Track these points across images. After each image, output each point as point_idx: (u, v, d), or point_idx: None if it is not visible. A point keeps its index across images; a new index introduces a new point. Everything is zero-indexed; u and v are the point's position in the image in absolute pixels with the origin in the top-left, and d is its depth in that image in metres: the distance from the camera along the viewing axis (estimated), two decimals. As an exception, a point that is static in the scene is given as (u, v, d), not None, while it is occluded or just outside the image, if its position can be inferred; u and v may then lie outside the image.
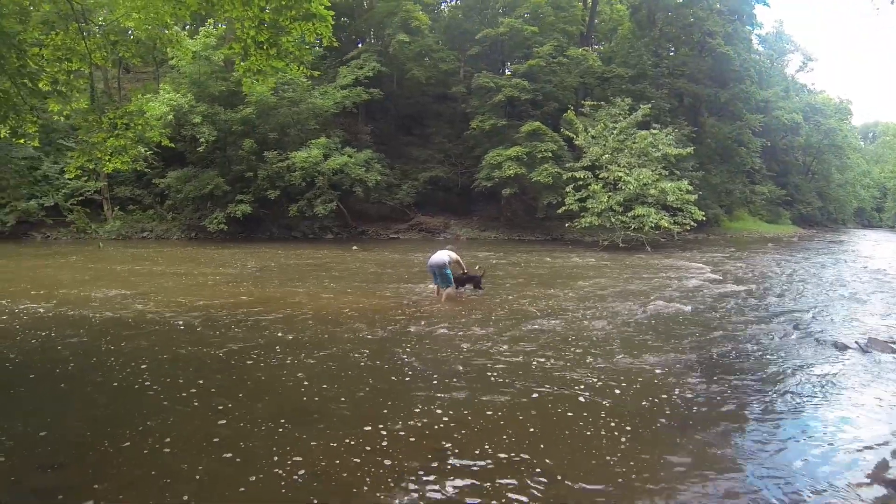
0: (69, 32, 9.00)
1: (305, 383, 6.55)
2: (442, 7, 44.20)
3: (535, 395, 6.28)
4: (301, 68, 9.32)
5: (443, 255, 12.12)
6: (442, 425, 5.36)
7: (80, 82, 10.04)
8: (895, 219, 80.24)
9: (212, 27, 29.64)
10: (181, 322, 9.60)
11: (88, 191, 27.69)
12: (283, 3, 7.93)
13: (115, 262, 18.25)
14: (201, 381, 6.58)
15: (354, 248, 25.19)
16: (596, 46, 43.02)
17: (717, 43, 41.30)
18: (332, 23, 8.47)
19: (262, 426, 5.25)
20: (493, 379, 6.85)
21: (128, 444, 4.82)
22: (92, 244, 24.92)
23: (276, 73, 9.44)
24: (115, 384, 6.42)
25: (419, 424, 5.37)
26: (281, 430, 5.17)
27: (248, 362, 7.35)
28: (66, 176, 14.58)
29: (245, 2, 7.81)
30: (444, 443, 4.98)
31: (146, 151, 18.63)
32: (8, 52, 7.57)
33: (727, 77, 43.26)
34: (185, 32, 27.25)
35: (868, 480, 4.64)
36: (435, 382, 6.67)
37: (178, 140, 26.44)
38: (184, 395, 6.13)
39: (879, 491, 4.47)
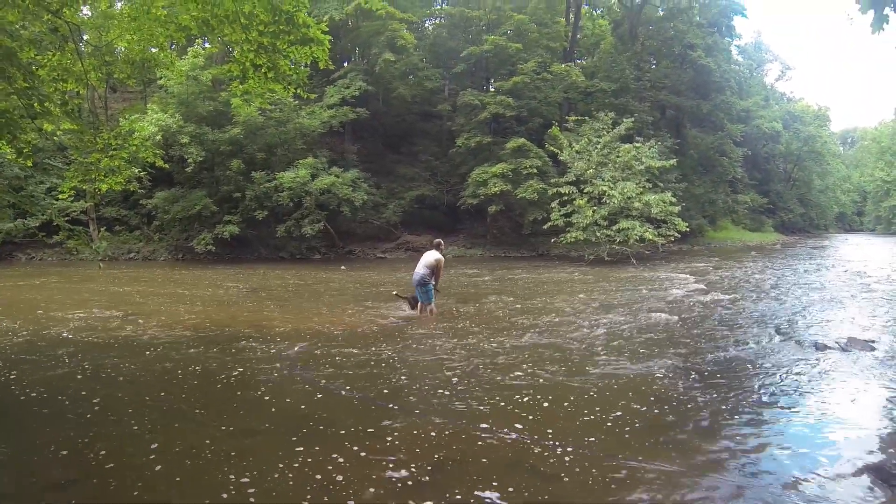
0: (65, 53, 9.18)
1: (299, 403, 6.67)
2: (426, 25, 44.61)
3: (527, 399, 6.45)
4: (298, 90, 9.49)
5: (422, 269, 11.93)
6: (405, 440, 5.44)
7: (75, 102, 10.17)
8: (875, 222, 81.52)
9: (200, 47, 29.80)
10: (169, 342, 9.68)
11: (75, 211, 27.57)
12: (282, 27, 8.11)
13: (104, 284, 18.25)
14: (197, 399, 6.73)
15: (343, 267, 25.25)
16: (579, 62, 43.49)
17: (698, 55, 42.16)
18: (329, 46, 8.67)
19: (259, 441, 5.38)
20: (485, 389, 6.97)
21: (135, 460, 4.91)
22: (79, 265, 24.89)
23: (272, 94, 9.61)
24: (113, 403, 6.50)
25: (414, 433, 5.52)
26: (287, 444, 5.28)
27: (237, 380, 7.45)
28: (60, 196, 14.61)
29: (244, 26, 7.98)
30: (404, 454, 5.08)
31: (139, 172, 18.67)
32: (14, 73, 7.70)
33: (708, 88, 44.06)
34: (173, 50, 27.40)
35: (852, 468, 4.85)
36: (423, 396, 6.82)
37: (166, 160, 26.44)
38: (180, 411, 6.27)
39: (863, 477, 4.68)
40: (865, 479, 4.66)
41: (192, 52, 28.98)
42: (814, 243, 49.12)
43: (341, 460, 4.87)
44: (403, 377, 7.62)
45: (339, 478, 4.56)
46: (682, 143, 41.07)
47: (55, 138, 16.73)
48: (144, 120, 26.72)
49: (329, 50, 8.92)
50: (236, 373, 7.73)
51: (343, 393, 6.93)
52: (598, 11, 48.37)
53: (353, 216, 30.80)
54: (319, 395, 6.83)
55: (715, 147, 45.04)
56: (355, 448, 5.13)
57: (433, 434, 5.50)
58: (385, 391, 6.96)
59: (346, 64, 37.74)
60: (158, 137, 26.51)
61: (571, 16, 41.00)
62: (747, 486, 4.59)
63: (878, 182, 75.68)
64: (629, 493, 4.41)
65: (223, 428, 5.67)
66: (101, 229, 29.44)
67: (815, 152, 66.59)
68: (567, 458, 4.97)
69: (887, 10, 10.16)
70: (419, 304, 12.27)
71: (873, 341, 9.51)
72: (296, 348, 9.23)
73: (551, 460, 4.95)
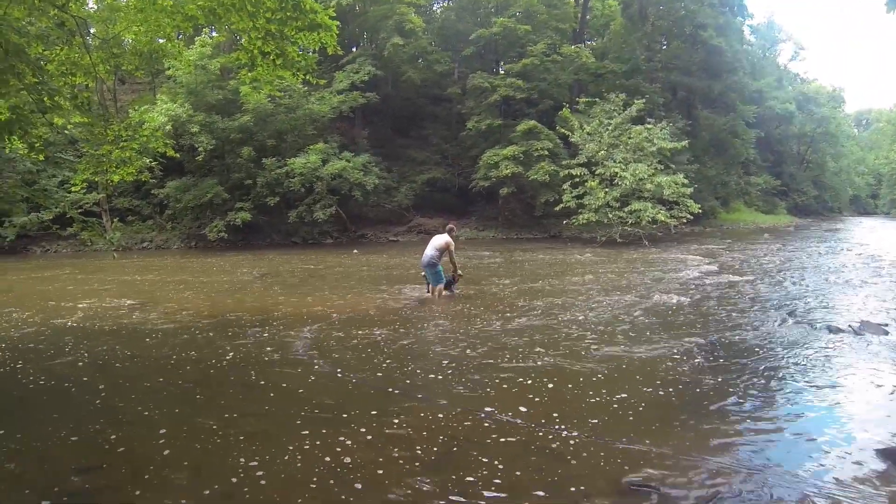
0: (73, 47, 9.21)
1: (307, 384, 6.71)
2: (434, 8, 44.37)
3: (531, 382, 6.45)
4: (307, 76, 9.47)
5: (430, 251, 12.13)
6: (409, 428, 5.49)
7: (85, 95, 10.21)
8: (891, 205, 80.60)
9: (207, 36, 29.81)
10: (174, 329, 9.70)
11: (87, 203, 27.64)
12: (289, 14, 8.11)
13: (117, 273, 18.36)
14: (199, 383, 6.78)
15: (355, 251, 25.28)
16: (589, 43, 43.19)
17: (709, 35, 41.67)
18: (337, 32, 8.68)
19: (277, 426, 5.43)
20: (489, 372, 6.96)
21: (145, 445, 4.95)
22: (93, 256, 25.04)
23: (281, 81, 9.59)
24: (119, 389, 6.57)
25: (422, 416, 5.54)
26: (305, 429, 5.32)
27: (238, 365, 7.47)
28: (73, 189, 14.72)
29: (252, 14, 7.99)
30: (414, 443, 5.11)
31: (150, 162, 18.76)
32: (23, 68, 7.74)
33: (720, 69, 43.59)
34: (181, 39, 27.34)
35: (863, 452, 4.84)
36: (427, 379, 6.82)
37: (177, 149, 26.42)
38: (183, 396, 6.33)
39: (874, 460, 4.68)
40: (880, 464, 4.64)
41: (199, 42, 29.07)
42: (827, 226, 48.71)
43: (348, 443, 4.89)
44: (407, 360, 7.62)
45: (347, 460, 4.58)
46: (693, 124, 40.78)
47: (66, 132, 16.95)
48: (154, 110, 26.88)
49: (337, 35, 8.92)
50: (229, 357, 7.78)
51: (339, 375, 6.94)
52: (608, -8, 47.95)
53: (364, 200, 30.88)
54: (319, 380, 6.82)
55: (727, 128, 44.72)
56: (362, 430, 5.16)
57: (440, 416, 5.51)
58: (390, 375, 6.96)
59: (354, 49, 37.66)
60: (168, 127, 26.56)
61: (581, -3, 40.72)
62: (758, 469, 4.57)
63: (894, 164, 74.87)
64: (637, 473, 4.40)
65: (226, 415, 5.68)
66: (114, 220, 29.40)
67: (828, 134, 66.35)
68: (573, 441, 4.97)
69: (905, -10, 9.93)
70: (430, 286, 12.45)
71: (886, 325, 9.43)
72: (297, 332, 9.27)
73: (556, 443, 4.95)
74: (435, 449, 4.81)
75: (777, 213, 53.54)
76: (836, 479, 4.41)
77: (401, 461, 4.59)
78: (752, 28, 59.99)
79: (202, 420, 5.53)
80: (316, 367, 7.33)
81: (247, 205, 28.92)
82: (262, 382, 6.71)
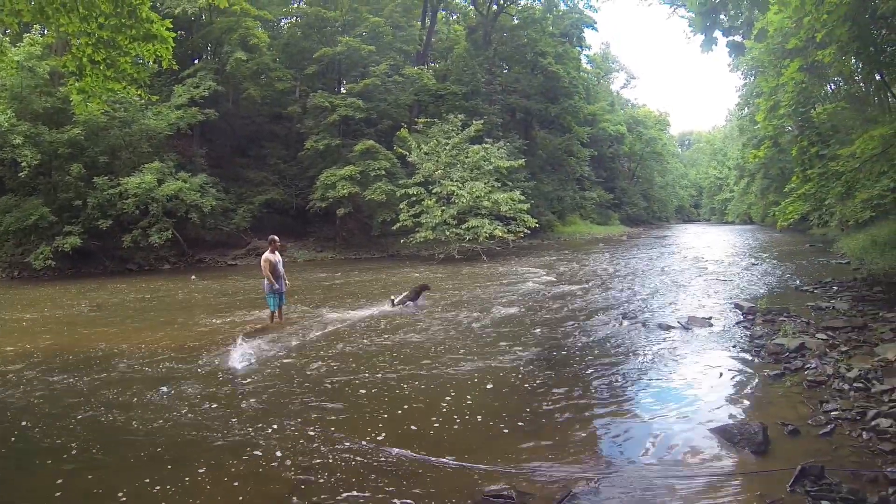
0: None
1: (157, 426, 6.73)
2: (282, 24, 43.86)
3: (371, 404, 6.91)
4: (140, 90, 8.92)
5: None
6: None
7: None
8: (710, 213, 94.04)
9: (38, 34, 27.41)
10: (10, 372, 8.93)
11: None
12: (124, 21, 7.74)
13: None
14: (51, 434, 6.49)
15: (193, 277, 24.10)
16: (432, 65, 44.59)
17: (549, 62, 44.71)
18: (174, 44, 8.38)
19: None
20: (348, 392, 7.29)
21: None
22: None
23: (112, 94, 8.97)
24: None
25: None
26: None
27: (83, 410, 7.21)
28: None
29: (83, 17, 7.56)
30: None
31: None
32: None
33: (557, 93, 46.73)
34: (8, 35, 24.85)
35: (700, 432, 5.74)
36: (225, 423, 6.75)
37: (-4, 164, 23.96)
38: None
39: (710, 439, 5.56)
40: (713, 441, 5.53)
41: (27, 40, 26.43)
42: (657, 233, 53.55)
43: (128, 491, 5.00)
44: (211, 400, 7.37)
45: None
46: (531, 143, 43.36)
47: None
48: (-30, 118, 24.45)
49: (177, 47, 8.57)
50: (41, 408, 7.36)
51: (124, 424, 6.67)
52: (454, 17, 49.72)
53: (201, 223, 29.77)
54: (111, 430, 6.55)
55: (563, 147, 48.04)
56: (146, 481, 5.19)
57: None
58: (204, 418, 6.76)
59: (196, 61, 36.42)
60: (-13, 137, 24.24)
61: (427, 20, 41.86)
62: (607, 450, 5.36)
63: (712, 179, 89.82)
64: (486, 484, 4.87)
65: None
66: (-80, 247, 26.34)
67: (656, 153, 73.99)
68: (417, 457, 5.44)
69: (716, 34, 11.62)
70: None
71: (710, 318, 10.89)
72: (106, 374, 8.76)
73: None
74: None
75: (611, 224, 57.56)
76: (679, 460, 5.21)
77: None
78: (588, 58, 64.94)
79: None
80: (115, 415, 6.97)
81: (76, 228, 26.63)
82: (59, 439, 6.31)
